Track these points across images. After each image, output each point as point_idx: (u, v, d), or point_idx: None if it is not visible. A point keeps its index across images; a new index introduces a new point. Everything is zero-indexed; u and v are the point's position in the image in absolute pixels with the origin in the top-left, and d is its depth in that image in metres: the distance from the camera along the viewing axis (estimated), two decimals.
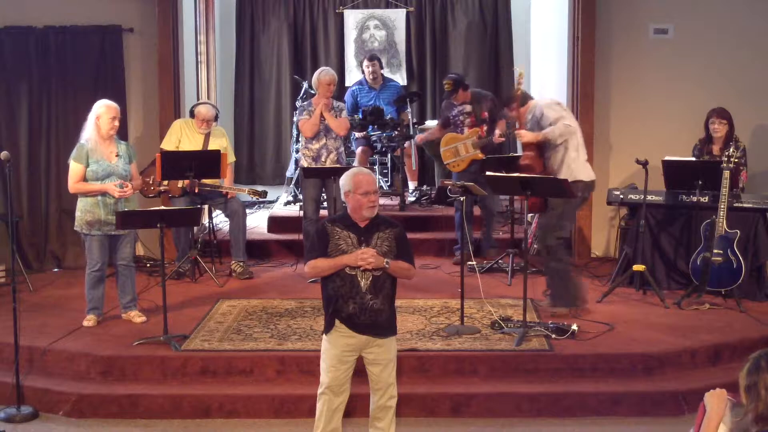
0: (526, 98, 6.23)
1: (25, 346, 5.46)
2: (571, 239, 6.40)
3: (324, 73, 7.22)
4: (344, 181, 4.44)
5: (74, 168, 5.86)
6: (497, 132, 7.42)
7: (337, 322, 4.37)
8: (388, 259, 4.33)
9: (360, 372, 4.53)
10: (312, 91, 9.44)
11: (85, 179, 5.85)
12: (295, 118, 7.34)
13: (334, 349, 4.39)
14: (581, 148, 6.06)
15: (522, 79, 6.35)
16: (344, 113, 7.40)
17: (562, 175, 5.94)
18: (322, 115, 7.16)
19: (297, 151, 9.12)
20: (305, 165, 7.24)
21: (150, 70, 7.78)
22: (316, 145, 7.22)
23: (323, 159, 7.21)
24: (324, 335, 4.46)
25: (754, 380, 2.72)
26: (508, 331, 5.69)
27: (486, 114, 7.51)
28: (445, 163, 7.76)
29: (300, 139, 7.52)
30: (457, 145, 7.49)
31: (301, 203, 8.62)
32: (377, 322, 4.36)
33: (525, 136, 6.13)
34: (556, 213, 6.05)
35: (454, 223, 7.67)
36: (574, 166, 5.99)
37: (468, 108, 7.51)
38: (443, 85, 7.74)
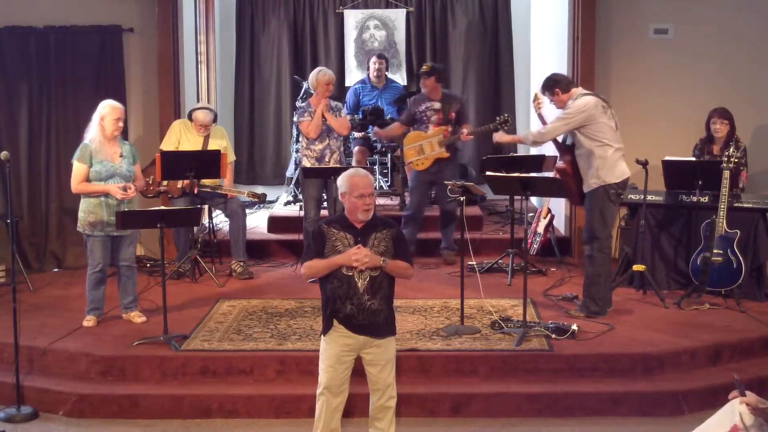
0: (569, 85, 6.10)
1: (25, 346, 5.46)
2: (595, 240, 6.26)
3: (322, 73, 7.19)
4: (341, 182, 4.45)
5: (77, 168, 5.86)
6: (464, 131, 7.39)
7: (335, 322, 4.38)
8: (385, 258, 4.33)
9: (360, 372, 4.54)
10: (312, 91, 9.46)
11: (88, 180, 5.85)
12: (294, 119, 7.33)
13: (333, 349, 4.40)
14: (609, 148, 5.90)
15: (539, 103, 6.39)
16: (343, 112, 7.39)
17: (591, 181, 5.94)
18: (323, 116, 7.16)
19: (297, 151, 9.12)
20: (308, 165, 7.23)
21: (150, 70, 7.78)
22: (319, 146, 7.21)
23: (327, 159, 7.20)
24: (322, 336, 4.47)
25: None
26: (508, 331, 5.69)
27: (453, 115, 7.49)
28: (407, 161, 7.71)
29: (300, 139, 7.51)
30: (422, 143, 7.46)
31: (302, 203, 8.65)
32: (375, 323, 4.37)
33: (500, 138, 6.46)
34: (597, 218, 5.97)
35: (403, 221, 7.64)
36: (602, 171, 5.90)
37: (437, 105, 7.47)
38: (423, 67, 7.74)
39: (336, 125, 7.21)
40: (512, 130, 10.11)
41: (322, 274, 4.39)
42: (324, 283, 4.42)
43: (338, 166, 7.09)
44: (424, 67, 7.62)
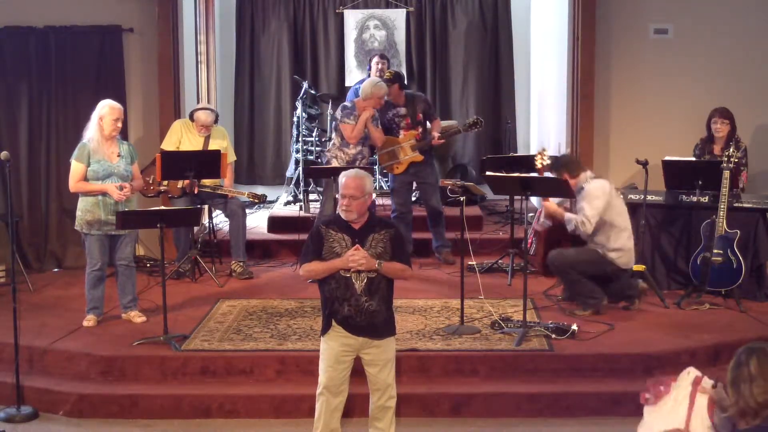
0: (577, 169, 6.15)
1: (25, 346, 5.45)
2: None
3: (379, 86, 7.22)
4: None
5: (75, 167, 5.86)
6: (435, 135, 7.41)
7: (333, 323, 4.38)
8: (380, 261, 4.33)
9: (360, 372, 4.54)
10: (312, 91, 9.46)
11: (86, 179, 5.86)
12: (337, 116, 7.30)
13: (332, 350, 4.41)
14: (625, 232, 6.06)
15: (544, 157, 6.41)
16: (378, 123, 7.41)
17: (593, 246, 6.07)
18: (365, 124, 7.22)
19: (297, 151, 9.12)
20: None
21: (150, 70, 7.78)
22: (353, 151, 7.25)
23: (357, 164, 7.22)
24: (321, 336, 4.48)
25: (736, 375, 2.70)
26: (508, 331, 5.69)
27: (420, 116, 7.50)
28: (382, 166, 7.74)
29: (333, 137, 7.47)
30: (394, 148, 7.46)
31: (301, 203, 8.64)
32: (373, 324, 4.37)
33: (549, 207, 6.31)
34: (575, 251, 6.09)
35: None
36: (614, 254, 6.04)
37: (403, 111, 7.48)
38: (384, 74, 7.77)
39: (375, 136, 7.30)
40: (512, 130, 10.16)
41: (321, 277, 4.40)
42: (322, 284, 4.43)
43: (337, 166, 7.09)
44: (387, 74, 7.68)
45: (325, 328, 4.43)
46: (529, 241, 7.25)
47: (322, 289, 4.43)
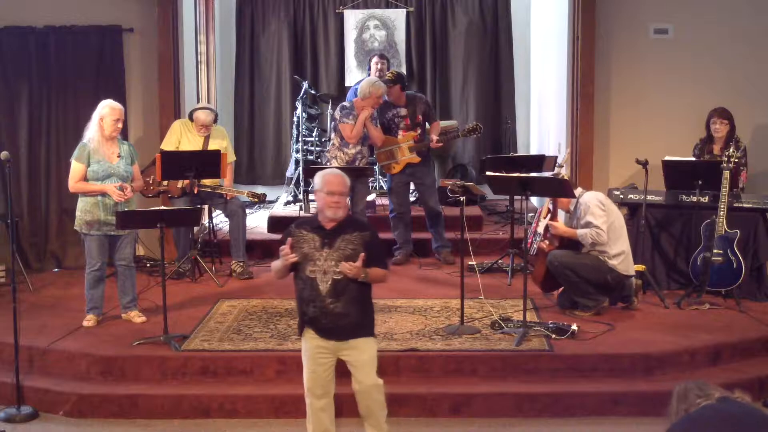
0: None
1: (25, 346, 5.45)
2: None
3: (377, 86, 7.21)
4: (316, 179, 4.43)
5: (75, 167, 5.86)
6: (434, 137, 7.42)
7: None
8: (366, 270, 4.27)
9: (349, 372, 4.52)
10: (312, 91, 9.47)
11: (85, 179, 5.86)
12: (336, 116, 7.30)
13: (309, 350, 4.40)
14: (614, 245, 6.03)
15: (561, 169, 6.42)
16: (377, 123, 7.42)
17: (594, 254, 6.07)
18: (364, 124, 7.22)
19: (297, 151, 9.12)
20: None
21: (150, 70, 7.78)
22: (352, 151, 7.26)
23: (357, 164, 7.23)
24: (300, 337, 4.48)
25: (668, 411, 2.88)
26: (508, 331, 5.69)
27: (420, 117, 7.51)
28: (380, 165, 7.75)
29: (332, 137, 7.48)
30: (392, 148, 7.46)
31: (301, 203, 8.65)
32: (339, 326, 4.32)
33: (558, 228, 6.21)
34: (584, 262, 6.06)
35: (391, 224, 7.65)
36: (614, 261, 6.03)
37: (403, 111, 7.48)
38: (386, 74, 7.75)
39: (374, 135, 7.30)
40: (512, 130, 10.16)
41: (281, 275, 4.40)
42: (295, 284, 4.43)
43: (339, 166, 7.10)
44: (389, 75, 7.65)
45: (300, 328, 4.44)
46: (529, 241, 7.26)
47: (295, 289, 4.44)
